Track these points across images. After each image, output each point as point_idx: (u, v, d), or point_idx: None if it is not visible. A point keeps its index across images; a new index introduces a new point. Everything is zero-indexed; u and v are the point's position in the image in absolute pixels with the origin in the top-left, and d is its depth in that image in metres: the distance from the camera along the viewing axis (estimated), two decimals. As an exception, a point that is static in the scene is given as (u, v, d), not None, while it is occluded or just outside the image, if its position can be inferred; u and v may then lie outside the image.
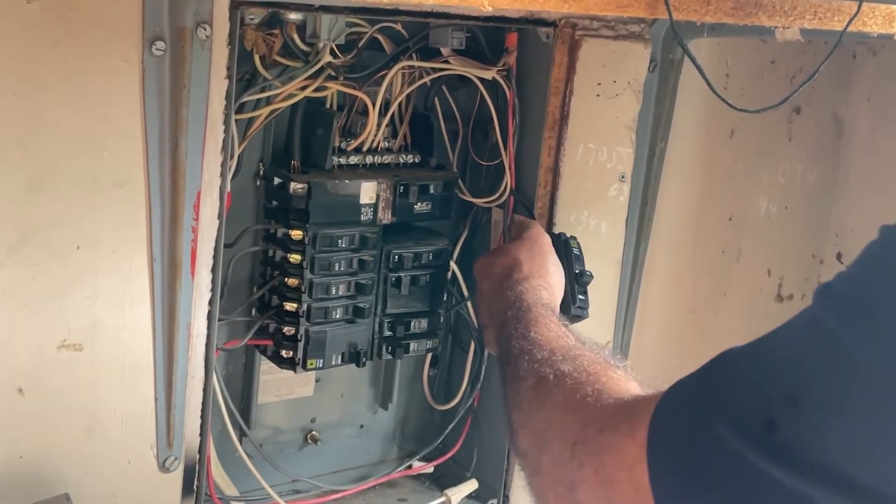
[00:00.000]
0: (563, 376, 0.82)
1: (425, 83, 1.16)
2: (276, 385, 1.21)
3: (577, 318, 1.13)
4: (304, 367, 1.13)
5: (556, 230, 1.19)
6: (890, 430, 0.57)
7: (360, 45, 1.09)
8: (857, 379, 0.58)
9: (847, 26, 1.03)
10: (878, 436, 0.57)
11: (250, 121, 1.07)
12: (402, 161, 1.18)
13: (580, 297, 1.13)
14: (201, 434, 1.02)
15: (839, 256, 1.60)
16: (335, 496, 1.23)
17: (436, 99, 1.20)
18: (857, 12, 1.02)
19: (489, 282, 1.10)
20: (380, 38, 1.11)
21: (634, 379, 0.82)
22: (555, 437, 0.78)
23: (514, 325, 0.96)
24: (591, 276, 1.15)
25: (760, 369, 0.64)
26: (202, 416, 1.02)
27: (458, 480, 1.28)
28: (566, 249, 1.14)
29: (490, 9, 0.86)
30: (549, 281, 1.08)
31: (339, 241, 1.12)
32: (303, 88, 1.07)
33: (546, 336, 0.92)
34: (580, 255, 1.15)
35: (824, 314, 0.61)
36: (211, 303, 0.99)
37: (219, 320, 1.02)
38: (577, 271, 1.14)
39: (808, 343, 0.62)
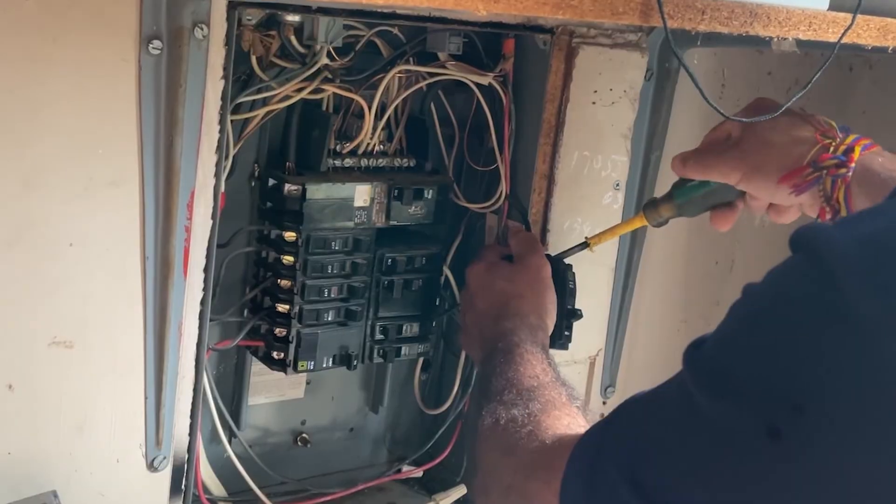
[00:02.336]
0: (509, 421, 0.86)
1: (422, 87, 1.16)
2: (266, 386, 1.21)
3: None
4: (295, 369, 1.13)
5: (550, 237, 1.20)
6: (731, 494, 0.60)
7: (358, 48, 1.09)
8: (709, 444, 0.61)
9: (841, 38, 1.03)
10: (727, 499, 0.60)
11: (246, 122, 1.07)
12: (397, 165, 1.18)
13: (566, 332, 1.14)
14: (190, 434, 1.02)
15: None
16: (324, 499, 1.23)
17: (432, 103, 1.20)
18: (850, 24, 1.03)
19: (485, 302, 1.10)
20: (377, 41, 1.12)
21: (581, 414, 0.86)
22: (496, 479, 0.84)
23: (499, 360, 0.98)
24: (581, 315, 1.15)
25: (640, 423, 0.68)
26: (192, 416, 1.02)
27: (447, 485, 1.28)
28: (563, 282, 1.14)
29: (485, 13, 0.86)
30: (546, 321, 1.09)
31: (333, 243, 1.12)
32: (299, 90, 1.07)
33: (522, 374, 0.94)
34: (574, 290, 1.15)
35: (689, 377, 0.64)
36: (203, 303, 0.99)
37: (210, 320, 1.02)
38: (569, 307, 1.14)
39: (674, 404, 0.65)
